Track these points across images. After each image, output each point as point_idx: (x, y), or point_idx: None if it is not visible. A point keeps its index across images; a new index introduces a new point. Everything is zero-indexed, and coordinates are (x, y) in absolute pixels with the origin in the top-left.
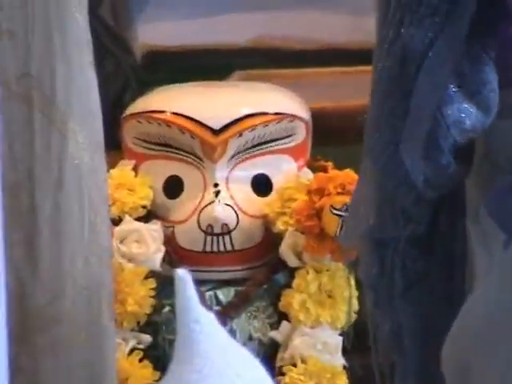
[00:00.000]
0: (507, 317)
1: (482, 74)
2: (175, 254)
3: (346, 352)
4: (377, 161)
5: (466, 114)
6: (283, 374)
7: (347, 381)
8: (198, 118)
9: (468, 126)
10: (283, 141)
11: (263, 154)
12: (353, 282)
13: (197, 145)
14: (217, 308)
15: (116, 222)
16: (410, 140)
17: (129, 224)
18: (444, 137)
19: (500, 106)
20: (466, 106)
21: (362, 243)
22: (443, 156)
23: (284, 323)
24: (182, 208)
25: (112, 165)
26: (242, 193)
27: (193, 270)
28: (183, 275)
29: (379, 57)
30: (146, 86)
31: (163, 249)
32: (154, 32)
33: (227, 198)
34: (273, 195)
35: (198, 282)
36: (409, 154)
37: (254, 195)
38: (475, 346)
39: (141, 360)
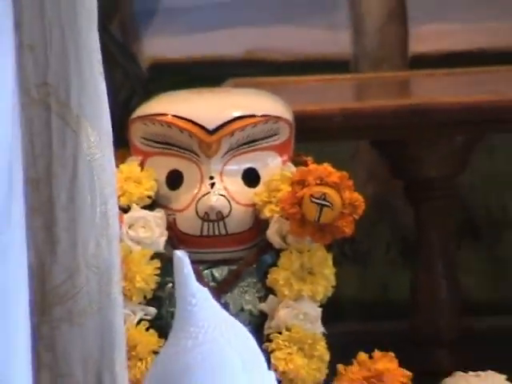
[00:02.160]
0: None
1: None
2: (176, 238)
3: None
4: None
5: None
6: (270, 341)
7: (326, 346)
8: (195, 120)
9: None
10: (270, 139)
11: (252, 151)
12: (330, 261)
13: (194, 143)
14: (213, 284)
15: (125, 210)
16: None
17: (136, 212)
18: None
19: None
20: None
21: None
22: None
23: (271, 297)
24: (182, 198)
25: (121, 161)
26: (234, 184)
27: (192, 252)
28: (181, 256)
29: None
30: (150, 92)
31: (166, 233)
32: (157, 46)
33: (221, 189)
34: (261, 186)
35: (196, 262)
36: None
37: (244, 186)
38: None
39: (147, 329)
